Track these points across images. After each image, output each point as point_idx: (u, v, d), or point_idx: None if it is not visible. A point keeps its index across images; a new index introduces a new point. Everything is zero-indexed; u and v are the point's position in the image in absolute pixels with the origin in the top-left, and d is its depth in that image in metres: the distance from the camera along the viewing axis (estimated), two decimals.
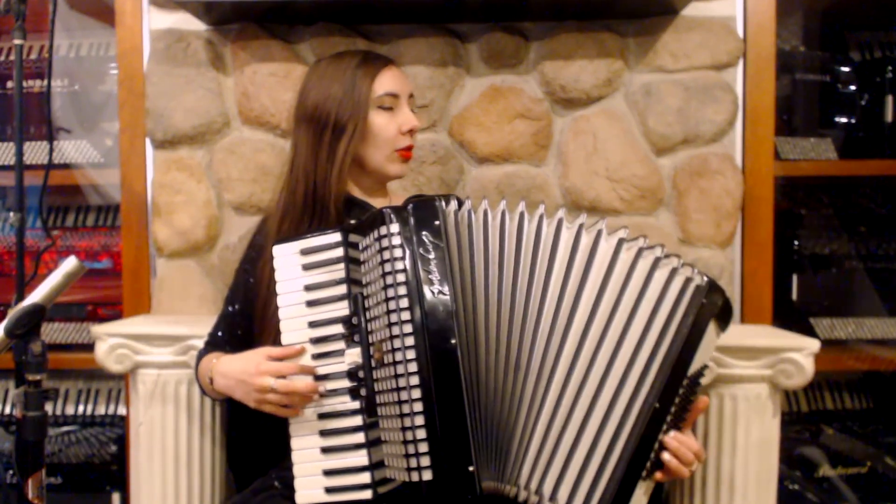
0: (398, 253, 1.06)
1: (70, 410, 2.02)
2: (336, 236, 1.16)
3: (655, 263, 1.08)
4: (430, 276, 1.05)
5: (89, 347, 1.58)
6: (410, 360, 1.03)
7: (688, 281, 1.08)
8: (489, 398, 1.09)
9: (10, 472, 1.86)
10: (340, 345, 1.14)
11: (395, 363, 1.04)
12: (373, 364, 1.10)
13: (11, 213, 1.54)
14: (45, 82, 1.71)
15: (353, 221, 1.19)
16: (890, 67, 1.95)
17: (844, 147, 1.96)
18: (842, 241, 1.96)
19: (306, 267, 1.17)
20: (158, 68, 1.75)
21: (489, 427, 1.08)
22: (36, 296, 1.09)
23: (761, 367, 1.44)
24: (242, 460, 1.62)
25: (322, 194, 1.33)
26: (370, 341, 1.10)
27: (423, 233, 1.07)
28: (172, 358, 1.52)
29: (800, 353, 1.42)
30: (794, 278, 1.93)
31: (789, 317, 1.88)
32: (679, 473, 1.09)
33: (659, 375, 1.06)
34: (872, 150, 1.95)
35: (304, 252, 1.17)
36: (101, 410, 2.02)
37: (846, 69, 1.98)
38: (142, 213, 1.80)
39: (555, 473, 1.07)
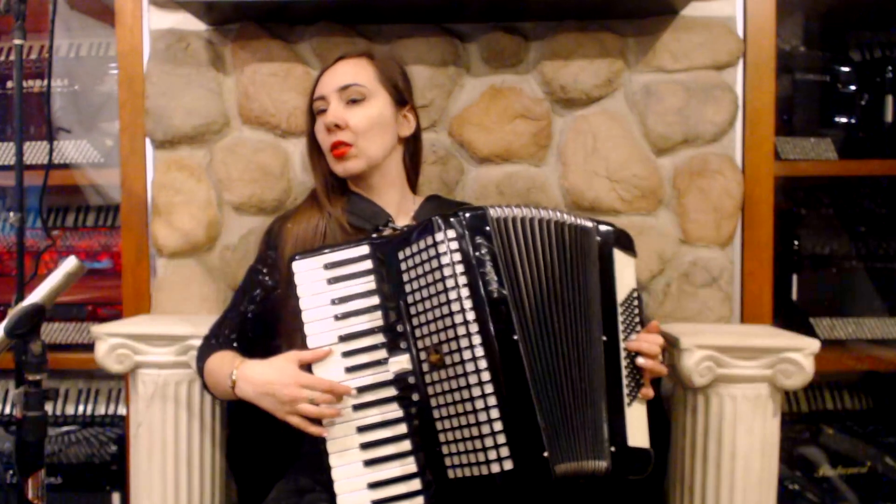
0: (456, 257, 1.10)
1: (70, 410, 2.02)
2: (364, 248, 1.18)
3: (573, 231, 1.20)
4: (486, 278, 1.10)
5: (89, 347, 1.58)
6: (480, 358, 1.07)
7: (578, 229, 1.20)
8: (556, 387, 1.12)
9: (10, 472, 1.86)
10: (377, 355, 1.15)
11: (462, 362, 1.07)
12: (425, 368, 1.11)
13: (11, 213, 1.54)
14: (45, 82, 1.72)
15: (374, 234, 1.21)
16: (890, 67, 1.95)
17: (844, 147, 1.96)
18: (842, 241, 1.96)
19: (332, 281, 1.17)
20: (158, 68, 1.75)
21: (560, 414, 1.12)
22: (36, 296, 1.10)
23: (761, 367, 1.44)
24: (243, 460, 1.62)
25: (319, 197, 1.40)
26: (420, 347, 1.12)
27: (477, 238, 1.11)
28: (172, 358, 1.51)
29: (800, 353, 1.42)
30: (794, 278, 1.93)
31: (789, 317, 1.88)
32: (654, 370, 1.22)
33: (595, 313, 1.19)
34: (872, 150, 1.95)
35: (329, 266, 1.17)
36: (101, 410, 2.02)
37: (846, 69, 1.98)
38: (142, 213, 1.80)
39: (586, 433, 1.14)
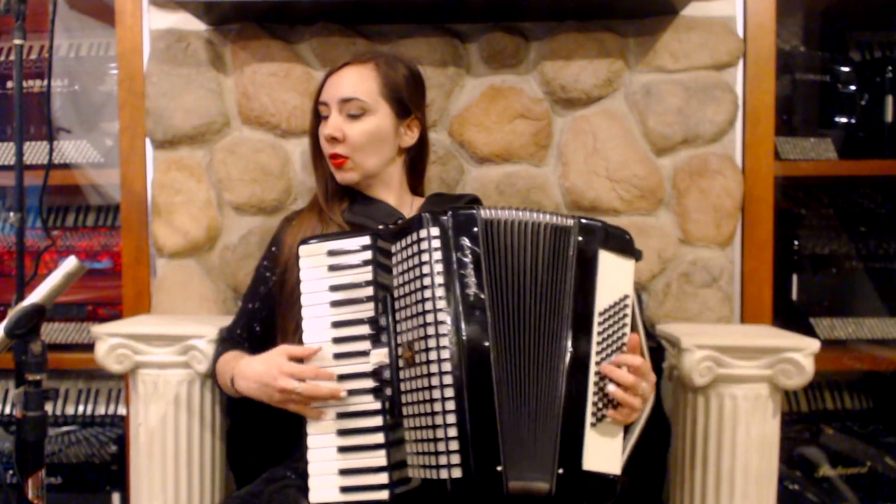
0: (437, 256, 1.08)
1: (70, 410, 2.02)
2: (365, 239, 1.17)
3: (554, 232, 1.13)
4: (465, 280, 1.08)
5: (89, 347, 1.58)
6: (444, 360, 1.05)
7: (559, 229, 1.13)
8: (521, 399, 1.09)
9: (10, 472, 1.86)
10: (364, 345, 1.15)
11: (427, 362, 1.06)
12: (400, 364, 1.11)
13: (11, 213, 1.54)
14: (45, 82, 1.71)
15: (381, 227, 1.20)
16: (890, 67, 1.95)
17: (844, 147, 1.96)
18: (842, 241, 1.96)
19: (333, 268, 1.18)
20: (158, 68, 1.75)
21: (521, 428, 1.08)
22: (36, 296, 1.10)
23: (761, 367, 1.44)
24: (243, 460, 1.62)
25: (321, 198, 1.42)
26: (398, 342, 1.12)
27: (462, 238, 1.09)
28: (172, 358, 1.51)
29: (800, 353, 1.42)
30: (794, 278, 1.93)
31: (789, 317, 1.88)
32: (625, 400, 1.11)
33: (564, 322, 1.10)
34: (872, 150, 1.95)
35: (332, 253, 1.18)
36: (101, 410, 2.02)
37: (846, 69, 1.98)
38: (142, 213, 1.80)
39: (535, 451, 1.09)
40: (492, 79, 1.75)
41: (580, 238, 1.13)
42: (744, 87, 1.73)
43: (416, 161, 1.48)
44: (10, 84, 1.95)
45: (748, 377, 1.45)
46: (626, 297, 1.16)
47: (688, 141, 1.73)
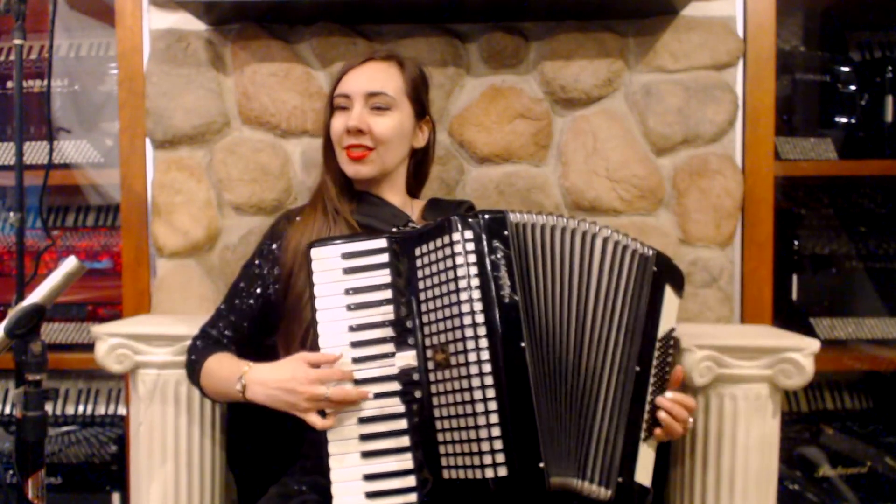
0: (472, 258, 1.10)
1: (70, 410, 2.02)
2: (382, 242, 1.18)
3: (623, 250, 1.20)
4: (500, 282, 1.10)
5: (89, 347, 1.58)
6: (485, 361, 1.07)
7: (638, 255, 1.20)
8: (559, 399, 1.12)
9: (10, 472, 1.86)
10: (385, 348, 1.15)
11: (467, 363, 1.07)
12: (430, 366, 1.12)
13: (11, 213, 1.54)
14: (45, 82, 1.71)
15: (395, 229, 1.21)
16: (890, 67, 1.95)
17: (844, 147, 1.96)
18: (842, 241, 1.96)
19: (348, 271, 1.17)
20: (158, 68, 1.75)
21: (560, 427, 1.12)
22: (36, 296, 1.10)
23: (761, 367, 1.44)
24: (243, 461, 1.62)
25: (328, 193, 1.38)
26: (426, 344, 1.12)
27: (494, 241, 1.11)
28: (172, 358, 1.51)
29: (800, 353, 1.42)
30: (794, 278, 1.93)
31: (789, 317, 1.88)
32: (673, 429, 1.20)
33: (635, 341, 1.18)
34: (872, 150, 1.95)
35: (346, 256, 1.18)
36: (101, 410, 2.02)
37: (846, 69, 1.99)
38: (142, 213, 1.80)
39: (594, 457, 1.13)
40: (492, 79, 1.75)
41: (654, 268, 1.21)
42: (744, 87, 1.73)
43: (420, 164, 1.48)
44: (10, 84, 1.95)
45: (748, 377, 1.45)
46: (673, 329, 1.25)
47: (688, 141, 1.73)
